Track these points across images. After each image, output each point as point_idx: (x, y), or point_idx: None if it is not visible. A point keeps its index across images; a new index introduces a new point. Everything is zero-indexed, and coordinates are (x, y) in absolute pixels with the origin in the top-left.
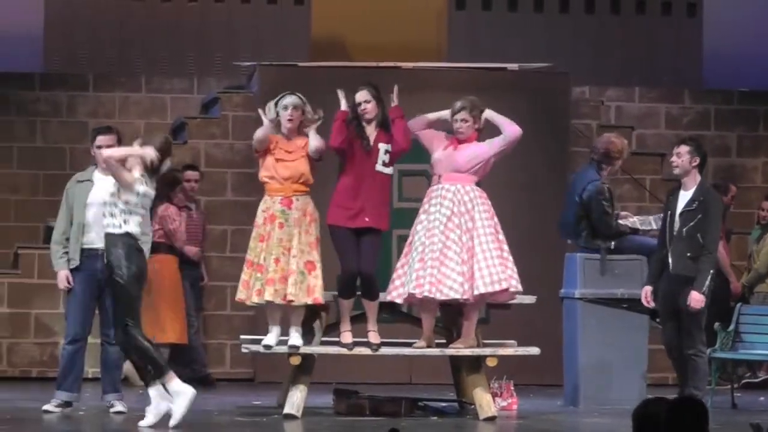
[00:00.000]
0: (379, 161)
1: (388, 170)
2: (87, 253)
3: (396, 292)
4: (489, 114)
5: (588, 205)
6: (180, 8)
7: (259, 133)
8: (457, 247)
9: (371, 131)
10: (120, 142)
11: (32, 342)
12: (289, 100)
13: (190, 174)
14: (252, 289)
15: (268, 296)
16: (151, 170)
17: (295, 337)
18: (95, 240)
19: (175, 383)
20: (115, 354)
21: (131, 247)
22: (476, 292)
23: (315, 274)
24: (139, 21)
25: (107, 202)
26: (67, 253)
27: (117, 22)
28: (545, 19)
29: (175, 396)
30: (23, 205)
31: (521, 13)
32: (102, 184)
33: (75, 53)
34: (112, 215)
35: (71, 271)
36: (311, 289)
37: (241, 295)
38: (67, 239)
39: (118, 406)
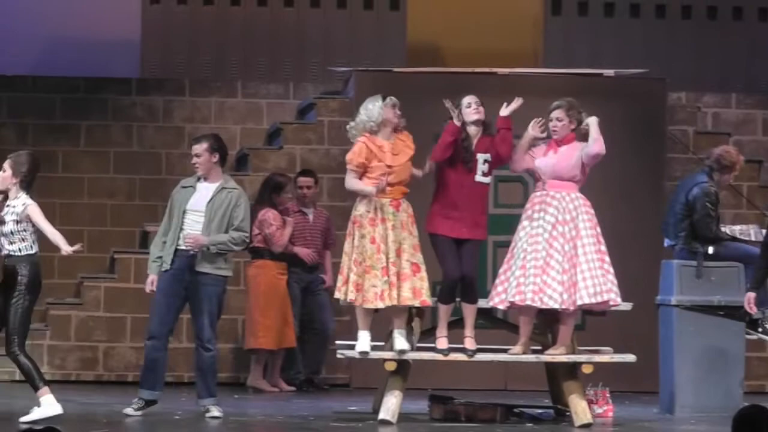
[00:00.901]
0: (479, 171)
1: (487, 180)
2: (179, 254)
3: (498, 298)
4: (592, 121)
5: (693, 205)
6: (276, 14)
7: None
8: (560, 256)
9: (473, 139)
10: None
11: (128, 346)
12: (395, 99)
13: (303, 180)
14: (367, 291)
15: (389, 301)
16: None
17: (401, 341)
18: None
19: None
20: (210, 359)
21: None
22: (579, 303)
23: (420, 276)
24: (236, 26)
25: None
26: (161, 257)
27: (213, 28)
28: (641, 25)
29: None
30: (119, 209)
31: (617, 18)
32: (204, 192)
33: (171, 59)
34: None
35: (164, 273)
36: (417, 291)
37: (351, 296)
38: (164, 242)
39: (214, 411)
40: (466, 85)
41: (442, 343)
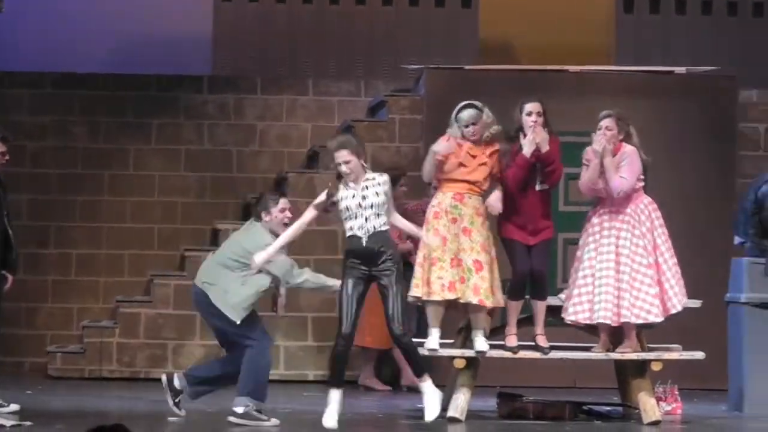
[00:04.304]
0: (538, 180)
1: (546, 186)
2: None
3: (583, 315)
4: (607, 162)
5: (761, 203)
6: (348, 11)
7: (428, 167)
8: (649, 270)
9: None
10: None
11: (197, 344)
12: (467, 114)
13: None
14: (434, 284)
15: (449, 295)
16: None
17: (481, 342)
18: None
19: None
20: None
21: None
22: (673, 311)
23: (482, 275)
24: (307, 24)
25: None
26: None
27: (285, 25)
28: (713, 22)
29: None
30: (190, 207)
31: (689, 15)
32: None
33: (243, 56)
34: None
35: None
36: (477, 289)
37: (417, 292)
38: None
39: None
40: (538, 82)
41: (511, 340)
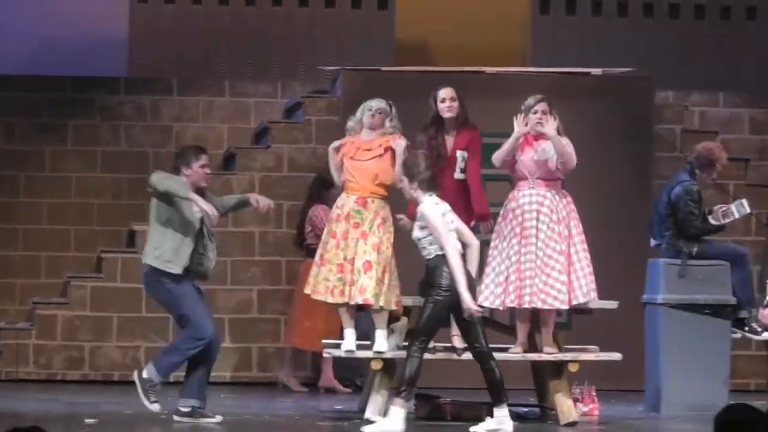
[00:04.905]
0: (457, 169)
1: (464, 175)
2: None
3: (492, 300)
4: (559, 141)
5: (675, 205)
6: (265, 13)
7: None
8: (560, 256)
9: (450, 136)
10: None
11: (114, 346)
12: (376, 103)
13: None
14: (319, 284)
15: (333, 299)
16: None
17: (381, 342)
18: None
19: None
20: None
21: None
22: (575, 302)
23: (370, 275)
24: (224, 25)
25: None
26: None
27: (201, 27)
28: (629, 24)
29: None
30: (106, 209)
31: (605, 17)
32: None
33: (159, 58)
34: None
35: None
36: (363, 289)
37: (307, 290)
38: None
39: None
40: (454, 83)
41: None
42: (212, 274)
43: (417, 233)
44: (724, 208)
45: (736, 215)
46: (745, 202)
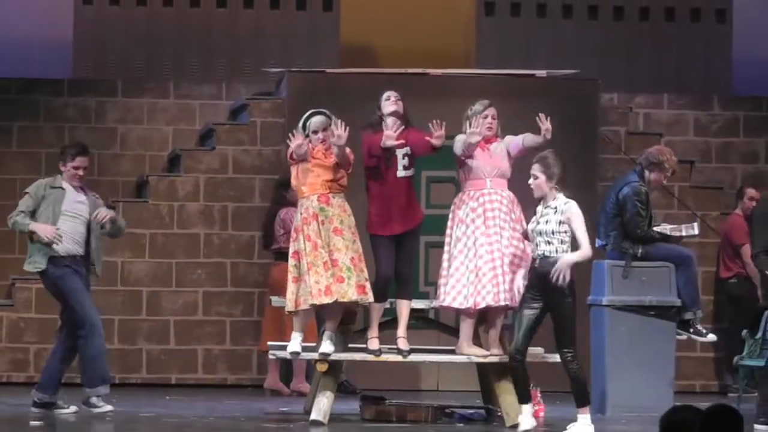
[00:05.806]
0: (400, 166)
1: (409, 172)
2: None
3: (450, 300)
4: (530, 139)
5: (623, 205)
6: (209, 14)
7: (298, 150)
8: (515, 258)
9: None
10: None
11: None
12: (317, 121)
13: None
14: (312, 290)
15: (325, 299)
16: None
17: (327, 344)
18: None
19: None
20: None
21: None
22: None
23: (361, 268)
24: (168, 27)
25: None
26: None
27: (146, 29)
28: (574, 26)
29: None
30: None
31: (550, 19)
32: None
33: (104, 59)
34: None
35: None
36: (361, 287)
37: (290, 305)
38: None
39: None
40: (399, 85)
41: (373, 343)
42: (157, 275)
43: (552, 227)
44: (674, 226)
45: (684, 234)
46: (696, 225)
